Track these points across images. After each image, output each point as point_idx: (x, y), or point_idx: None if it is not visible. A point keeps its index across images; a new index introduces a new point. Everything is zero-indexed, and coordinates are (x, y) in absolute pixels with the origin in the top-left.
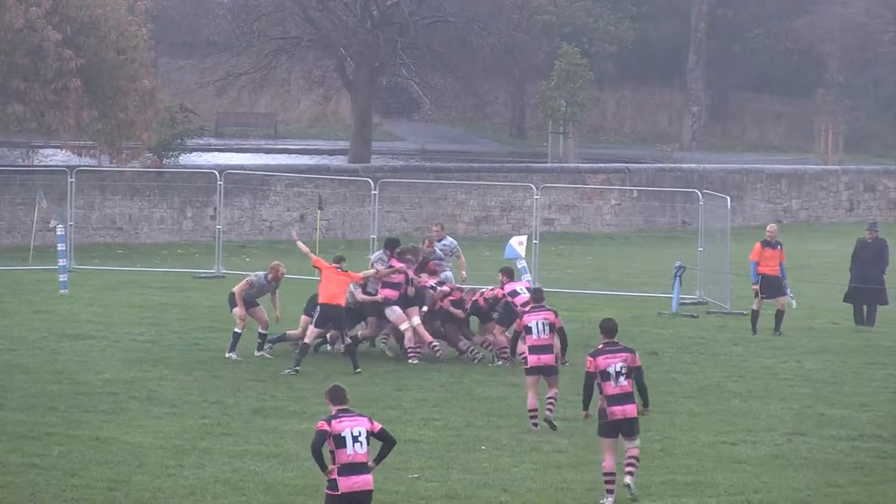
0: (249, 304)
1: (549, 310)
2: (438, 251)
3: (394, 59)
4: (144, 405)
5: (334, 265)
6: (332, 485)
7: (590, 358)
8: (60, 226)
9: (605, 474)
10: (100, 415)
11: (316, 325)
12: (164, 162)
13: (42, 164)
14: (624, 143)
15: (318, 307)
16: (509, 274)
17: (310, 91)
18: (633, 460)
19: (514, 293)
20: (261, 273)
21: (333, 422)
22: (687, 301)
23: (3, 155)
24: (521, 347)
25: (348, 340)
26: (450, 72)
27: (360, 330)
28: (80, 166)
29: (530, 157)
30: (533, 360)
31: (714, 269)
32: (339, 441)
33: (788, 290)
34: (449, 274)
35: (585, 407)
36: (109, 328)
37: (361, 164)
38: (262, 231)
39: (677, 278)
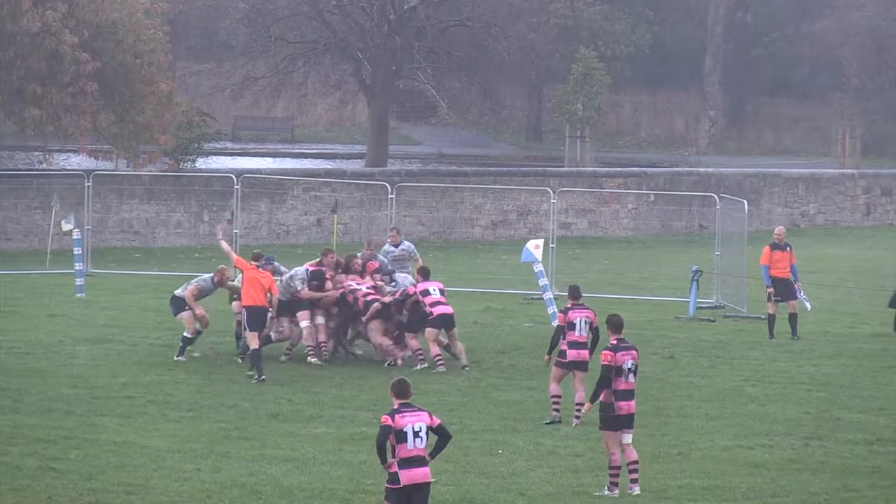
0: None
1: (589, 309)
2: (381, 256)
3: (411, 63)
4: (161, 409)
5: (254, 263)
6: (394, 478)
7: (609, 353)
8: (77, 230)
9: (613, 468)
10: (116, 419)
11: (250, 330)
12: (181, 166)
13: (59, 168)
14: (641, 147)
15: (245, 310)
16: (424, 273)
17: (327, 95)
18: (635, 466)
19: (426, 293)
20: (207, 276)
21: (396, 416)
22: (704, 305)
23: (19, 159)
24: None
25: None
26: (466, 75)
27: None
28: (96, 170)
29: (547, 161)
30: (572, 354)
31: (731, 273)
32: (401, 436)
33: (801, 292)
34: (407, 276)
35: (593, 400)
36: (126, 332)
37: (378, 168)
38: (279, 235)
39: (694, 282)
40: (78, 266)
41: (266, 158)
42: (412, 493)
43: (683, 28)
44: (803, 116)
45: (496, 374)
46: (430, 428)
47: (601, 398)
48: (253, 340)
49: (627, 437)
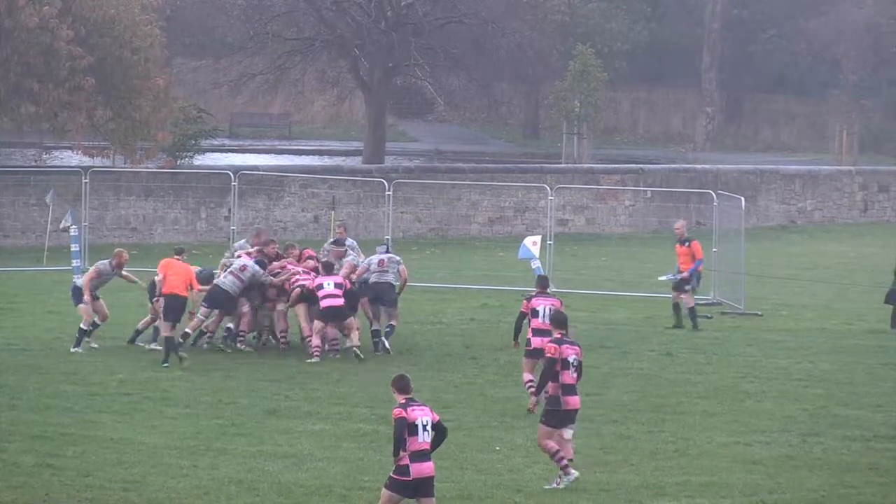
0: (93, 296)
1: (556, 298)
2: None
3: (408, 60)
4: (158, 406)
5: (176, 257)
6: (404, 470)
7: (554, 345)
8: (74, 226)
9: (553, 453)
10: (114, 415)
11: (165, 319)
12: (178, 163)
13: (56, 165)
14: (638, 144)
15: (163, 298)
16: (327, 269)
17: (324, 92)
18: (570, 461)
19: (320, 287)
20: (105, 261)
21: (408, 409)
22: (701, 302)
23: (16, 156)
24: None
25: (187, 331)
26: (464, 72)
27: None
28: (94, 167)
29: (544, 158)
30: (536, 342)
31: (728, 269)
32: (413, 429)
33: (690, 285)
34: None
35: (538, 392)
36: (123, 329)
37: (375, 165)
38: (276, 232)
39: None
40: (75, 263)
41: (263, 155)
42: (419, 485)
43: (681, 25)
44: (801, 113)
45: (493, 371)
46: (433, 423)
47: (549, 391)
48: (166, 329)
49: (568, 433)
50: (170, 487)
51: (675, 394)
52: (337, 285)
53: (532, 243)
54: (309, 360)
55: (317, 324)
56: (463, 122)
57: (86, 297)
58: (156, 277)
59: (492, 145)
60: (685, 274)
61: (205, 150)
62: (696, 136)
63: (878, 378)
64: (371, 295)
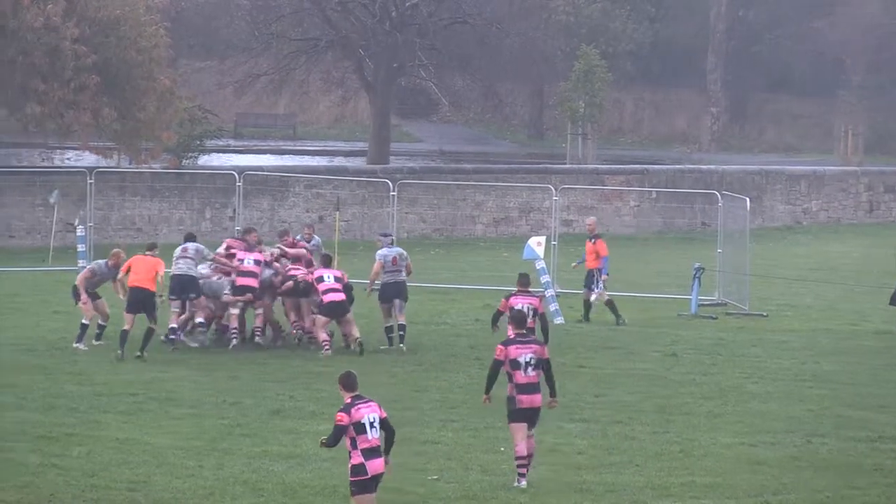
0: (92, 295)
1: (534, 296)
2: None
3: (412, 61)
4: (164, 406)
5: (147, 253)
6: (360, 469)
7: (501, 346)
8: (81, 227)
9: (518, 458)
10: (119, 415)
11: (127, 311)
12: (183, 163)
13: (61, 165)
14: (643, 145)
15: (129, 291)
16: (325, 261)
17: (329, 92)
18: (528, 461)
19: (320, 279)
20: (101, 261)
21: (352, 410)
22: (706, 302)
23: (21, 156)
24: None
25: (154, 326)
26: (468, 73)
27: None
28: (99, 167)
29: (549, 159)
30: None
31: (733, 270)
32: (360, 427)
33: (600, 285)
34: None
35: (487, 391)
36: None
37: (380, 166)
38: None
39: (696, 279)
40: (81, 263)
41: (268, 155)
42: (376, 483)
43: (685, 25)
44: (806, 113)
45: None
46: (380, 420)
47: (507, 391)
48: (129, 322)
49: (529, 441)
50: (175, 487)
51: (679, 394)
52: (336, 279)
53: (537, 244)
54: (322, 354)
55: (320, 319)
56: (467, 123)
57: (82, 296)
58: (119, 275)
59: (496, 146)
60: (604, 274)
61: (210, 151)
62: (701, 137)
63: (882, 379)
64: (386, 294)
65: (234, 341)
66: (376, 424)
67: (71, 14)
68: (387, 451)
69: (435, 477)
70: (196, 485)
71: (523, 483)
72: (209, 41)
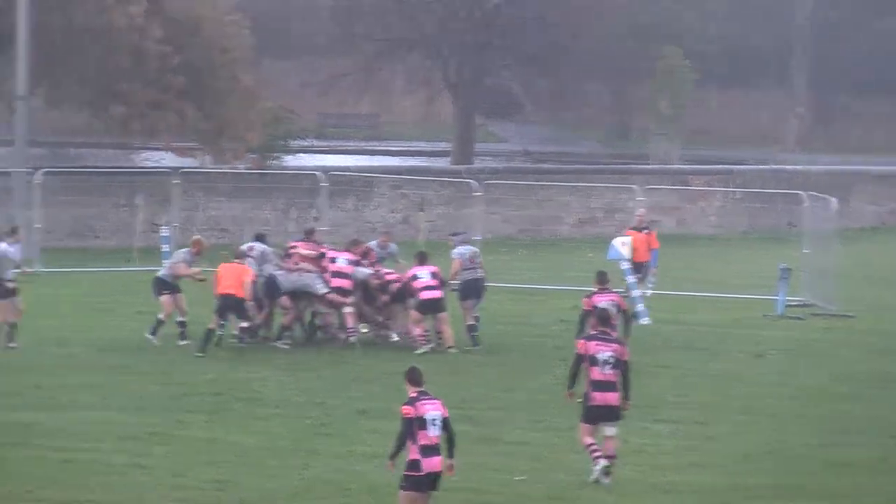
0: (174, 287)
1: (615, 293)
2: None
3: (496, 61)
4: (249, 406)
5: (235, 261)
6: (415, 465)
7: (582, 341)
8: (165, 227)
9: (588, 446)
10: (204, 415)
11: (218, 315)
12: (267, 163)
13: (146, 166)
14: (727, 145)
15: (219, 298)
16: (420, 258)
17: (412, 92)
18: (611, 461)
19: (415, 277)
20: (183, 251)
21: (417, 405)
22: (793, 303)
23: (106, 157)
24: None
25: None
26: (552, 73)
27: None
28: (184, 168)
29: (633, 159)
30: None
31: (819, 270)
32: (422, 423)
33: (650, 280)
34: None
35: (570, 387)
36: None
37: (464, 166)
38: (365, 233)
39: (784, 280)
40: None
41: (352, 156)
42: (431, 481)
43: (770, 25)
44: (892, 113)
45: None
46: (442, 419)
47: (585, 388)
48: (214, 322)
49: (608, 430)
50: (261, 487)
51: (765, 395)
52: (433, 275)
53: (621, 244)
54: (419, 352)
55: (414, 314)
56: (551, 123)
57: (191, 271)
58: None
59: (580, 146)
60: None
61: (294, 151)
62: (785, 137)
63: None
64: (467, 291)
65: (352, 339)
66: (438, 423)
67: (155, 14)
68: (450, 454)
69: (521, 477)
70: (281, 485)
71: (602, 463)
72: (293, 41)
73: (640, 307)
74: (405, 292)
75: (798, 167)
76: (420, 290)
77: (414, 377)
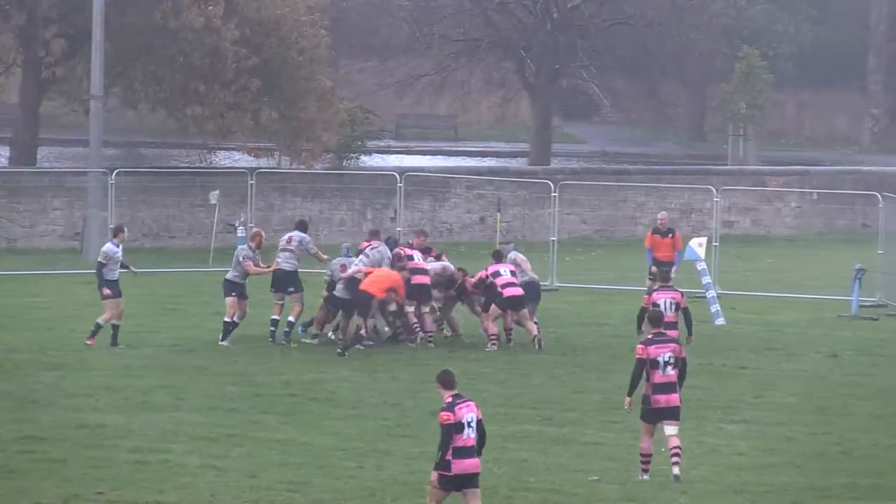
0: (241, 293)
1: (676, 290)
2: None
3: (574, 62)
4: (324, 407)
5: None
6: (446, 466)
7: (641, 346)
8: (241, 227)
9: (643, 455)
10: (279, 416)
11: (360, 314)
12: (344, 164)
13: (222, 166)
14: (803, 146)
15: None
16: (497, 256)
17: (490, 93)
18: (676, 450)
19: (497, 274)
20: (244, 248)
21: (456, 409)
22: (867, 303)
23: (181, 157)
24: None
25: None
26: (630, 74)
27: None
28: (259, 168)
29: (710, 160)
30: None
31: (894, 271)
32: (459, 427)
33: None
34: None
35: (630, 393)
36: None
37: (541, 167)
38: (441, 233)
39: (857, 281)
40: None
41: (429, 156)
42: (462, 482)
43: (846, 26)
44: None
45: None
46: (476, 420)
47: (644, 390)
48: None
49: (669, 429)
50: (335, 488)
51: (840, 395)
52: (512, 272)
53: (698, 245)
54: (488, 348)
55: (494, 310)
56: (629, 124)
57: (267, 267)
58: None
59: (657, 147)
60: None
61: (371, 151)
62: (861, 138)
63: None
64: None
65: (424, 340)
66: (473, 424)
67: (231, 15)
68: (478, 452)
69: (595, 478)
70: (356, 486)
71: (646, 477)
72: (370, 41)
73: (715, 308)
74: (467, 289)
75: (873, 168)
76: (503, 286)
77: (447, 380)
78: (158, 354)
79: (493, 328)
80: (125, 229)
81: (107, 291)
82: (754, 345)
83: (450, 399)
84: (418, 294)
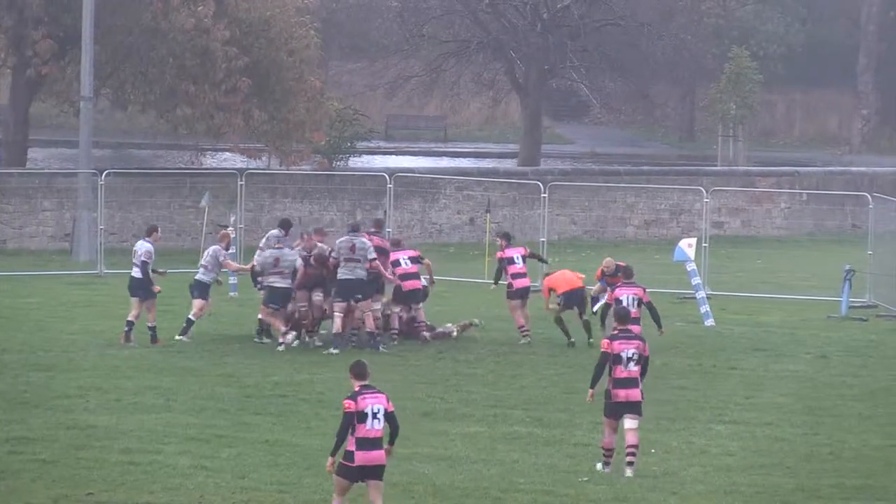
0: (207, 292)
1: (638, 286)
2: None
3: (564, 62)
4: (314, 407)
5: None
6: (349, 456)
7: (607, 341)
8: (231, 228)
9: (605, 450)
10: (269, 417)
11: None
12: (333, 164)
13: (212, 166)
14: (793, 147)
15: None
16: (507, 238)
17: (479, 94)
18: (633, 450)
19: (511, 261)
20: (214, 247)
21: (358, 398)
22: (856, 304)
23: (172, 158)
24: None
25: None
26: (619, 75)
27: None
28: (249, 169)
29: (700, 160)
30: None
31: (884, 272)
32: (361, 416)
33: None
34: None
35: (593, 385)
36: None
37: (531, 167)
38: (431, 234)
39: (847, 281)
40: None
41: (418, 157)
42: (366, 473)
43: (836, 27)
44: None
45: (648, 374)
46: (386, 413)
47: (606, 385)
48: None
49: (629, 423)
50: (325, 489)
51: (829, 396)
52: (523, 258)
53: (688, 246)
54: (522, 341)
55: (510, 303)
56: (618, 125)
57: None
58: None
59: (647, 147)
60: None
61: (360, 152)
62: (851, 139)
63: None
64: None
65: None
66: (380, 416)
67: (221, 15)
68: (391, 441)
69: (585, 479)
70: None
71: (607, 470)
72: (360, 42)
73: (704, 308)
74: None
75: (863, 169)
76: (514, 276)
77: (358, 371)
78: (149, 355)
79: (520, 320)
80: (159, 228)
81: (157, 289)
82: (744, 346)
83: (357, 388)
84: (412, 299)
